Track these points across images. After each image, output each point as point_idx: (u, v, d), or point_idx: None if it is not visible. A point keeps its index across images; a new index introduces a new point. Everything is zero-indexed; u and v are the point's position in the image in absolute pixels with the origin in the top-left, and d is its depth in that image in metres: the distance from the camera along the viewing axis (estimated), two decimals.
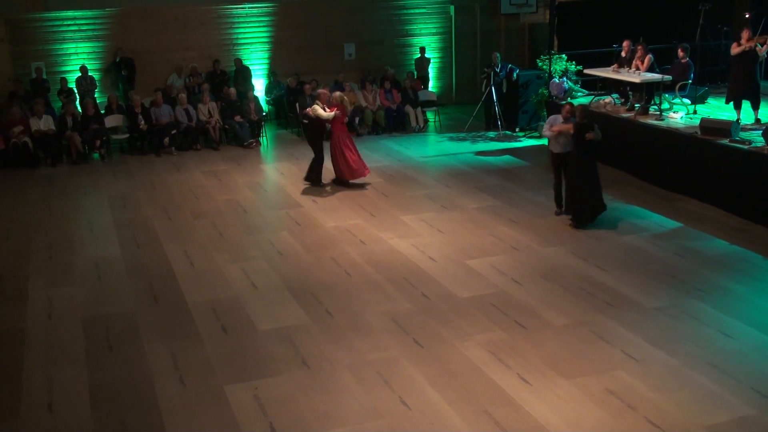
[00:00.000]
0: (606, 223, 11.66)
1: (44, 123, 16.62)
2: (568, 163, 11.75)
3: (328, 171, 14.24)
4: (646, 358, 7.66)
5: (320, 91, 14.81)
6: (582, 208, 11.51)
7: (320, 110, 13.88)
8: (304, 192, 13.86)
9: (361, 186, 14.04)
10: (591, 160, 11.45)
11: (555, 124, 11.84)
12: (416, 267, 10.25)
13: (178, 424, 6.82)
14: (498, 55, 18.68)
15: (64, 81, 18.17)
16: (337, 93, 14.39)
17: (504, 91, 18.38)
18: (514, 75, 18.33)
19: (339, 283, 9.82)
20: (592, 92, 16.68)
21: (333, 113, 13.79)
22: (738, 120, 12.90)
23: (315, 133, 14.25)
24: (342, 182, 14.07)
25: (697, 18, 14.55)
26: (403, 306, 9.06)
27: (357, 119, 18.59)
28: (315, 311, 9.00)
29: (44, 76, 18.24)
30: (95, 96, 18.29)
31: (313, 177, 14.23)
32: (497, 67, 18.29)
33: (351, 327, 8.58)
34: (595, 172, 11.43)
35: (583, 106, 12.05)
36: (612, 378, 7.30)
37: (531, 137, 17.54)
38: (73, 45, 18.77)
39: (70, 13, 18.58)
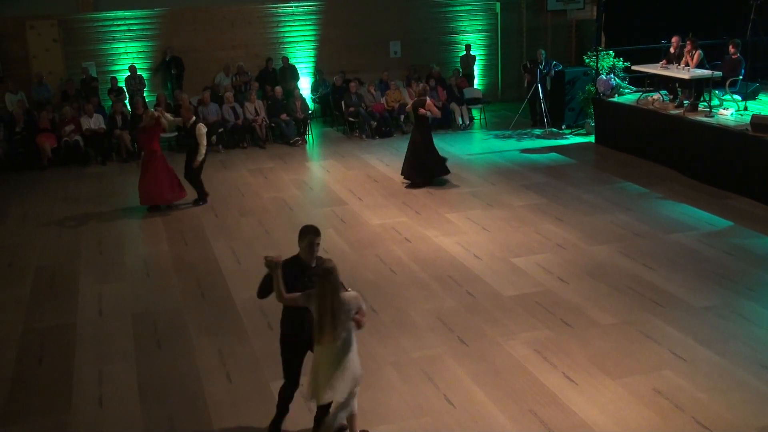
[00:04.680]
0: (654, 221, 11.54)
1: (95, 122, 16.94)
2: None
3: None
4: (694, 358, 7.55)
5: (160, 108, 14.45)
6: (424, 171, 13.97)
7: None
8: (350, 190, 13.92)
9: (406, 184, 14.05)
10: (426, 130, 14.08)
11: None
12: (461, 265, 10.23)
13: (224, 419, 6.90)
14: (543, 52, 18.56)
15: (114, 80, 18.49)
16: (150, 111, 13.72)
17: (548, 88, 18.27)
18: (553, 72, 18.18)
19: (384, 280, 9.84)
20: (640, 89, 16.47)
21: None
22: None
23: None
24: (154, 207, 13.26)
25: (748, 13, 14.29)
26: (448, 304, 9.05)
27: (402, 117, 18.62)
28: None
29: (94, 75, 18.56)
30: (144, 95, 18.56)
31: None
32: (542, 65, 18.16)
33: (396, 324, 8.59)
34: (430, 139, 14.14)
35: (424, 87, 14.60)
36: (660, 378, 7.22)
37: (577, 134, 17.40)
38: (123, 45, 19.08)
39: (120, 14, 18.89)
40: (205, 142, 13.03)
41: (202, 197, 13.52)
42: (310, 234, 6.35)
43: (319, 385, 5.97)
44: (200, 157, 13.00)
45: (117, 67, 19.01)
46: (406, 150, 14.26)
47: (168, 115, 13.62)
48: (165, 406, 7.16)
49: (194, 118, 13.21)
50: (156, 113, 13.26)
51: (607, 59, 16.87)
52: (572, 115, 18.01)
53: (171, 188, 13.15)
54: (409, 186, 13.96)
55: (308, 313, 6.01)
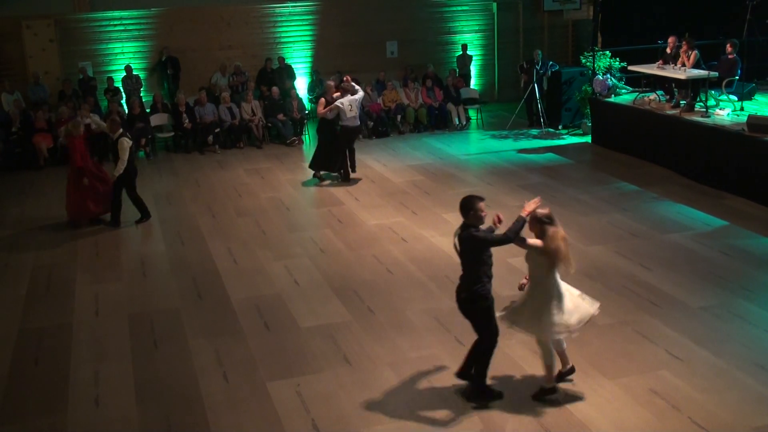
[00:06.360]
0: (651, 221, 11.54)
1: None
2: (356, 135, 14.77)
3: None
4: (691, 358, 7.56)
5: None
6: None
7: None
8: (346, 190, 13.91)
9: (403, 184, 14.06)
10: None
11: (355, 102, 14.17)
12: (458, 265, 10.18)
13: (221, 420, 6.89)
14: (539, 52, 18.57)
15: (110, 80, 18.47)
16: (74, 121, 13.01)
17: (545, 88, 18.28)
18: (549, 72, 18.20)
19: (381, 280, 9.84)
20: (636, 89, 16.48)
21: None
22: None
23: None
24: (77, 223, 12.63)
25: (744, 13, 14.30)
26: (445, 304, 9.04)
27: (399, 117, 18.62)
28: (357, 309, 9.02)
29: (91, 74, 18.54)
30: (141, 95, 18.55)
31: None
32: (538, 65, 18.17)
33: (393, 325, 8.59)
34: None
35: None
36: (656, 378, 7.22)
37: (574, 135, 17.41)
38: (120, 45, 19.05)
39: (116, 14, 18.86)
40: (125, 157, 12.00)
41: (146, 214, 12.69)
42: (475, 202, 7.09)
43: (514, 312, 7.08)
44: (117, 173, 12.11)
45: (113, 67, 18.97)
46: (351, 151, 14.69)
47: (96, 118, 13.18)
48: (161, 406, 7.15)
49: (121, 131, 12.29)
50: (78, 122, 12.73)
51: (604, 59, 16.88)
52: (569, 115, 18.01)
53: (91, 203, 12.52)
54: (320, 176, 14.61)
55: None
